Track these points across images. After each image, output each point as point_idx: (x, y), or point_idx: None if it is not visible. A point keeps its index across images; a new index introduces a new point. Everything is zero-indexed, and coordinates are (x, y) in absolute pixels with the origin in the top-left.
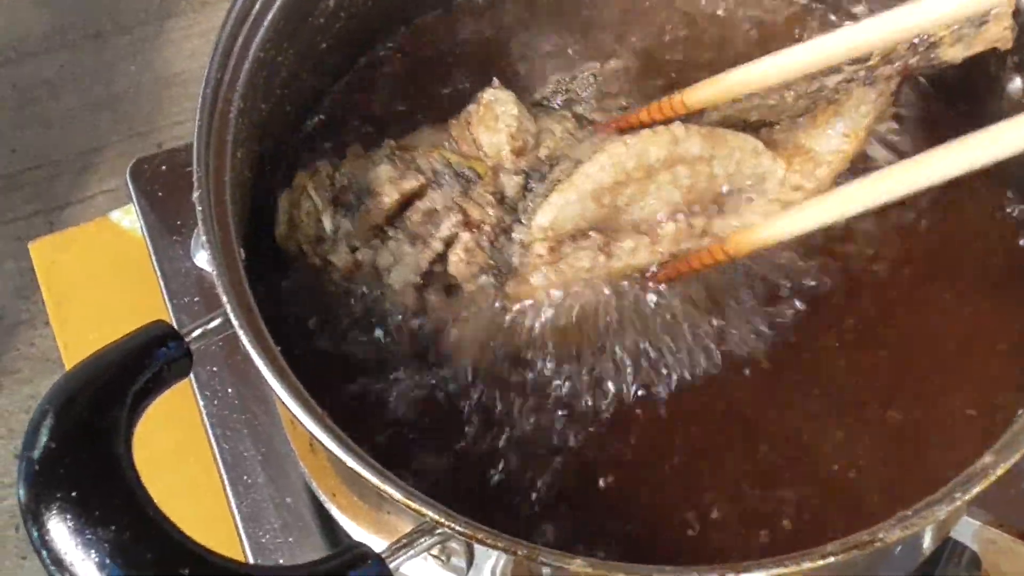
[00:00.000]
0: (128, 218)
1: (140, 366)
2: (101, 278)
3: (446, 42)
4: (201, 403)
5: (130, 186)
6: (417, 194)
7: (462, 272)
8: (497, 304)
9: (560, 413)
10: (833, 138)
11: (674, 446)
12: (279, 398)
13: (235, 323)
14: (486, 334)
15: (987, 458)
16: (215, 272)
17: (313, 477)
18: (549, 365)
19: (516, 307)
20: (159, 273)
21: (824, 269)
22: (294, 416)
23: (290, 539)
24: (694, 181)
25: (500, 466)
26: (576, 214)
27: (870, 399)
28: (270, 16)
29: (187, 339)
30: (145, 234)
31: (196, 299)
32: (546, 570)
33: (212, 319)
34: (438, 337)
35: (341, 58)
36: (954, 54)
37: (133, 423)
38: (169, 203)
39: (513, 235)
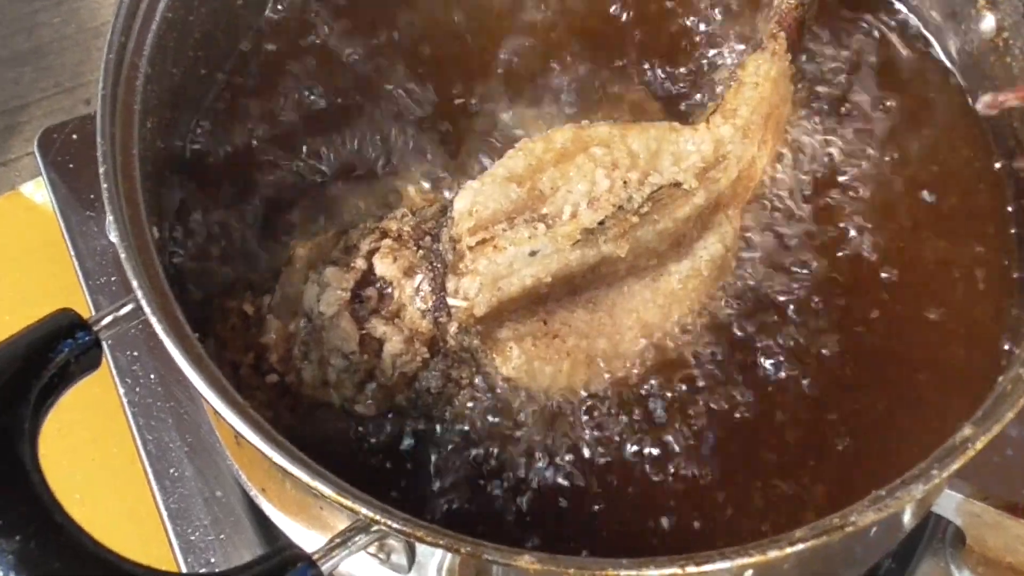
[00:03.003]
0: (40, 192)
1: (44, 360)
2: (13, 257)
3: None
4: (121, 391)
5: (38, 158)
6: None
7: (390, 271)
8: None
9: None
10: (744, 92)
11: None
12: (197, 391)
13: (147, 310)
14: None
15: (966, 430)
16: (123, 254)
17: (242, 471)
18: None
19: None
20: (72, 252)
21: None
22: (214, 409)
23: (221, 536)
24: (615, 158)
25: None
26: (496, 196)
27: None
28: None
29: (96, 328)
30: (56, 210)
31: (113, 279)
32: (496, 570)
33: (123, 305)
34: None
35: (257, 15)
36: None
37: (38, 422)
38: (82, 176)
39: (441, 234)
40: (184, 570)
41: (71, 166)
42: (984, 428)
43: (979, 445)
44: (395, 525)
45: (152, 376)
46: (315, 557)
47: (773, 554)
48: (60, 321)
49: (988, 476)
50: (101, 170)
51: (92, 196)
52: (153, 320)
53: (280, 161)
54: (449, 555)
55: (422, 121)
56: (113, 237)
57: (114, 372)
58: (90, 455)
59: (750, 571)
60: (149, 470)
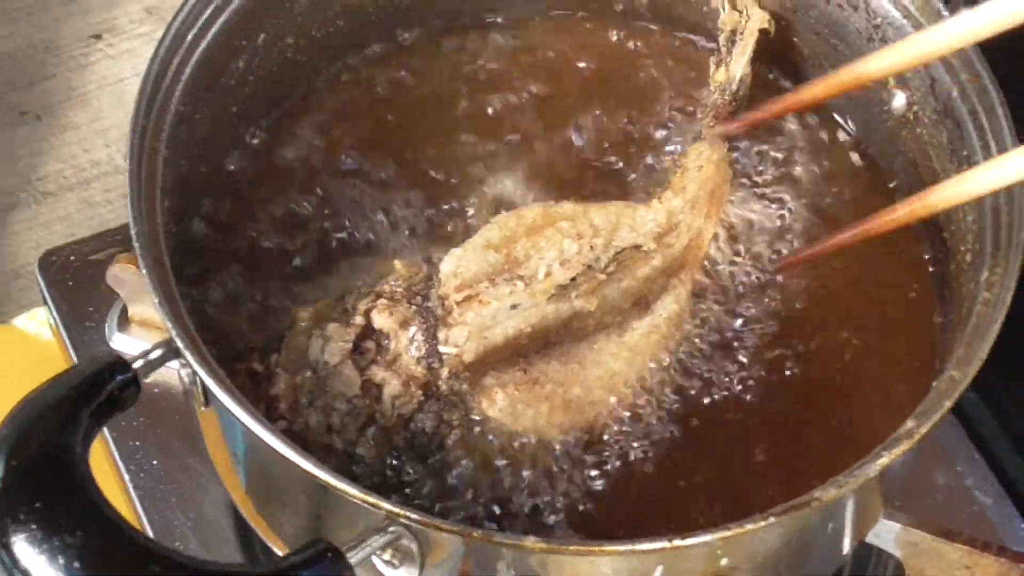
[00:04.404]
0: (33, 323)
1: (93, 391)
2: (8, 388)
3: (357, 107)
4: (126, 477)
5: (39, 279)
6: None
7: (387, 323)
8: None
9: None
10: (689, 174)
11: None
12: (232, 414)
13: (181, 345)
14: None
15: (909, 424)
16: (156, 302)
17: (251, 517)
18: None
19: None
20: (76, 360)
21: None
22: (247, 428)
23: None
24: (580, 230)
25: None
26: (477, 261)
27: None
28: (188, 71)
29: (135, 366)
30: (58, 324)
31: None
32: (501, 565)
33: (153, 349)
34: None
35: (251, 123)
36: (735, 71)
37: (89, 442)
38: (80, 292)
39: (430, 294)
40: None
41: (70, 283)
42: (925, 419)
43: (923, 430)
44: (414, 516)
45: (155, 462)
46: (344, 549)
47: (749, 527)
48: (105, 359)
49: (926, 515)
50: (133, 231)
51: (91, 309)
52: (188, 355)
53: (279, 244)
54: (459, 560)
55: (408, 209)
56: (116, 341)
57: (119, 461)
58: None
59: (725, 559)
60: None
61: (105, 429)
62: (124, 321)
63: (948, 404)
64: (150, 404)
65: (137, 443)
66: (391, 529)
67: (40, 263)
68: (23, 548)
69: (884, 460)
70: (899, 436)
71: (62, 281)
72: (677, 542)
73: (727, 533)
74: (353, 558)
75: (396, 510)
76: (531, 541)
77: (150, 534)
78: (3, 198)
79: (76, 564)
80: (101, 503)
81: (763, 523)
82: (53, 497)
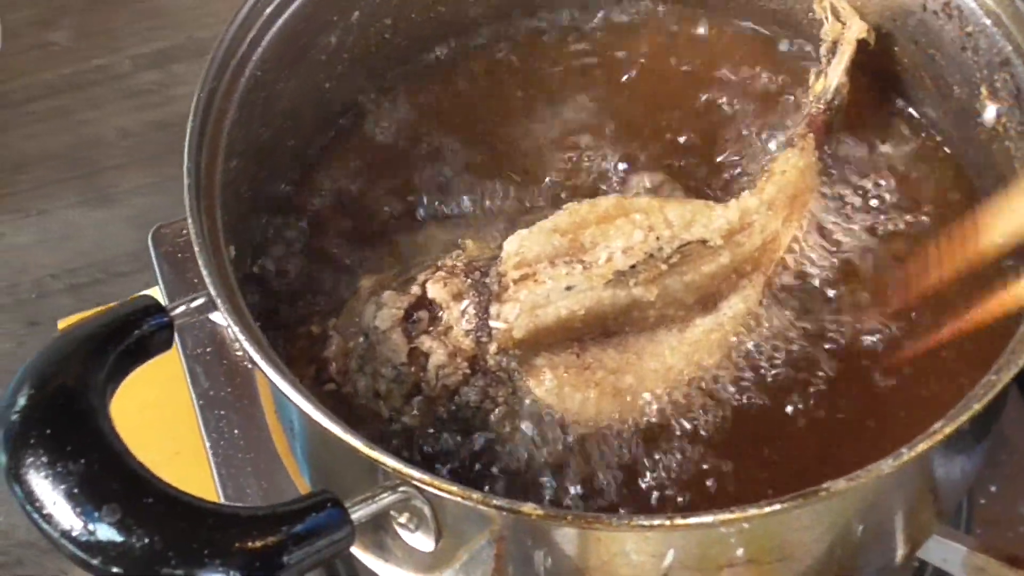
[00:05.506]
0: (160, 296)
1: (124, 332)
2: None
3: (447, 97)
4: (207, 444)
5: (152, 251)
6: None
7: (440, 294)
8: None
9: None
10: (773, 178)
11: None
12: (260, 371)
13: (213, 292)
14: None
15: (938, 423)
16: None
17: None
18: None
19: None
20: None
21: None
22: (272, 383)
23: None
24: (652, 223)
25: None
26: (542, 242)
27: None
28: (268, 39)
29: (172, 313)
30: (163, 292)
31: (209, 349)
32: (532, 545)
33: (195, 298)
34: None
35: (344, 103)
36: (832, 80)
37: (115, 380)
38: (187, 264)
39: (490, 270)
40: None
41: (179, 256)
42: (951, 420)
43: (947, 431)
44: (413, 473)
45: (236, 431)
46: (348, 504)
47: (752, 512)
48: (140, 303)
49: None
50: (186, 182)
51: (195, 280)
52: (218, 302)
53: (354, 218)
54: (478, 535)
55: (495, 192)
56: (214, 314)
57: (202, 428)
58: None
59: (740, 549)
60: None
61: (193, 396)
62: None
63: (978, 407)
64: (239, 377)
65: (222, 412)
66: (401, 489)
67: (153, 236)
68: (30, 471)
69: (902, 458)
70: (924, 435)
71: (171, 253)
72: (678, 520)
73: (728, 516)
74: (356, 513)
75: (396, 466)
76: (529, 507)
77: (223, 497)
78: None
79: (75, 490)
80: (109, 435)
81: (767, 509)
82: (64, 426)
